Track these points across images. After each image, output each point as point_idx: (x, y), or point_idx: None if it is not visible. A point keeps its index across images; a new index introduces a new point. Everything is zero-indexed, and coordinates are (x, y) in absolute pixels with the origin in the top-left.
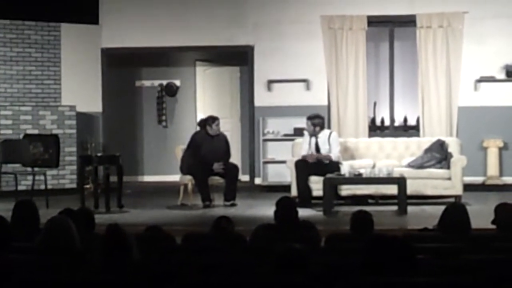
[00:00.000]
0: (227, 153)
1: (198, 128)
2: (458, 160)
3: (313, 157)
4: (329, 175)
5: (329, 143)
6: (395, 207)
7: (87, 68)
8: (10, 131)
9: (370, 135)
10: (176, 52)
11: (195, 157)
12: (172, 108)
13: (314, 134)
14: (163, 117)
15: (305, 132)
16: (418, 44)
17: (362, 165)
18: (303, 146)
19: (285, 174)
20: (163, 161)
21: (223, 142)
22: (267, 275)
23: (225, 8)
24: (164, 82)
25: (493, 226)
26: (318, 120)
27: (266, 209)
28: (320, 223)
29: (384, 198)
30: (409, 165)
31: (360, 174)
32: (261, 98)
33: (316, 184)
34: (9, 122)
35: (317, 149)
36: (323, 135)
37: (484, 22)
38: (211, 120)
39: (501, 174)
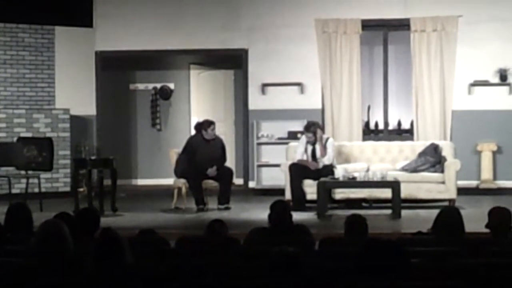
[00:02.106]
0: (222, 157)
1: (194, 132)
2: (452, 164)
3: (315, 165)
4: (323, 179)
5: (325, 148)
6: (389, 211)
7: (81, 71)
8: (3, 134)
9: (364, 139)
10: (170, 56)
11: (190, 162)
12: (166, 111)
13: (315, 142)
14: (157, 121)
15: (300, 136)
16: (412, 48)
17: (356, 169)
18: (298, 150)
19: (279, 178)
20: (157, 164)
21: (219, 147)
22: (261, 279)
23: (219, 12)
24: (158, 86)
25: (487, 230)
26: (314, 128)
27: (260, 213)
28: (314, 226)
29: (378, 201)
30: (403, 169)
31: (354, 178)
32: (255, 101)
33: (310, 188)
34: (3, 125)
35: (314, 155)
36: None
37: (478, 26)
38: (206, 124)
39: (495, 177)
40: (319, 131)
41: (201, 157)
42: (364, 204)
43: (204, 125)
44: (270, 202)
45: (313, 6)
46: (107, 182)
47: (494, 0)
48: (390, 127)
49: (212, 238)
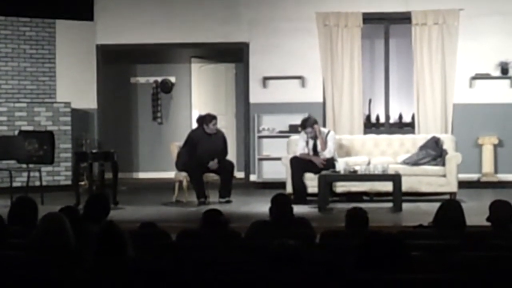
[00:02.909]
0: (223, 151)
1: (195, 125)
2: (453, 157)
3: (320, 160)
4: (324, 172)
5: (326, 141)
6: (390, 204)
7: (82, 65)
8: (5, 128)
9: (365, 132)
10: (171, 49)
11: (191, 155)
12: (167, 104)
13: (315, 136)
14: (158, 114)
15: (301, 130)
16: (414, 41)
17: (357, 162)
18: (299, 144)
19: (280, 171)
20: (158, 157)
21: (220, 140)
22: (262, 272)
23: (221, 5)
24: (159, 79)
25: (488, 223)
26: (310, 123)
27: (261, 206)
28: (315, 219)
29: (379, 195)
30: (404, 162)
31: (355, 171)
32: (257, 95)
33: (311, 181)
34: (4, 118)
35: (315, 148)
36: (322, 132)
37: (479, 19)
38: (208, 119)
39: (496, 171)
40: (315, 126)
41: (203, 151)
42: (365, 198)
43: (206, 119)
44: (271, 195)
45: (314, 0)
46: (108, 175)
47: None
48: (391, 121)
49: (210, 228)
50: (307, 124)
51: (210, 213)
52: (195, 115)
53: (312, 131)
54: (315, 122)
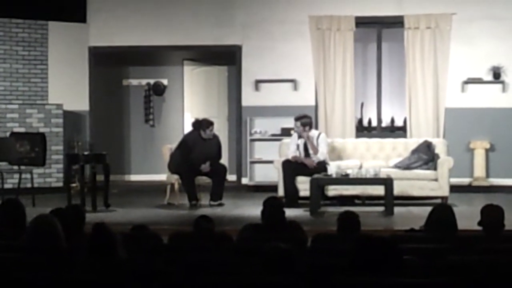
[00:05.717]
0: (217, 155)
1: (189, 128)
2: (445, 161)
3: (312, 163)
4: (316, 176)
5: (317, 144)
6: (381, 208)
7: (74, 67)
8: None
9: (357, 136)
10: (163, 51)
11: (184, 158)
12: (160, 107)
13: (303, 135)
14: (150, 116)
15: (293, 133)
16: (406, 45)
17: (349, 166)
18: (291, 147)
19: (272, 174)
20: (150, 160)
21: (215, 145)
22: (254, 275)
23: (213, 8)
24: (152, 81)
25: (479, 227)
26: (306, 120)
27: (253, 209)
28: (306, 223)
29: (371, 198)
30: (396, 166)
31: (347, 175)
32: (249, 98)
33: (303, 184)
34: None
35: (306, 150)
36: (312, 135)
37: (472, 23)
38: (205, 124)
39: (488, 175)
40: (307, 128)
41: (197, 155)
42: (357, 201)
43: (203, 125)
44: (263, 198)
45: (307, 3)
46: (100, 177)
47: None
48: (383, 124)
49: (200, 235)
50: (300, 119)
51: (200, 220)
52: (187, 117)
53: (299, 127)
54: (310, 124)
